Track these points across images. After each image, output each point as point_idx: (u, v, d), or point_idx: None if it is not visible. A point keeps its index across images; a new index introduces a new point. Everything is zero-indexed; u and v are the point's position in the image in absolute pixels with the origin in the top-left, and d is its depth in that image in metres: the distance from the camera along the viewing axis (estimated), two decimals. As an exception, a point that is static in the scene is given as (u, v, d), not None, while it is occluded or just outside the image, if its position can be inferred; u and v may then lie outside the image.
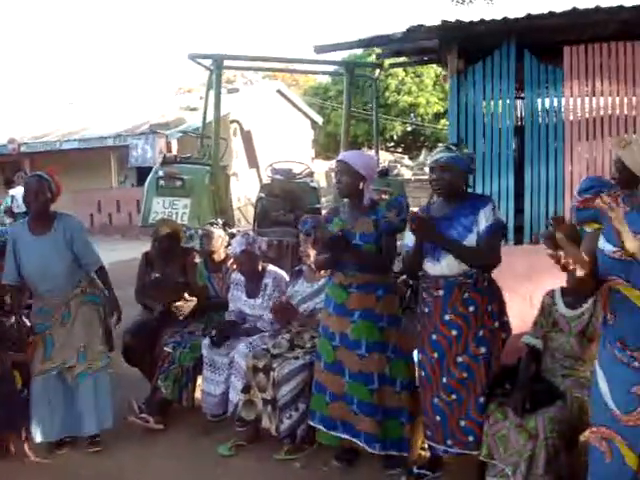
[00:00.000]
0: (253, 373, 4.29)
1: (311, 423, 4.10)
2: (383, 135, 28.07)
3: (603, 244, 2.47)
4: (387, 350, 3.89)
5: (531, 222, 5.63)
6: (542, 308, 3.75)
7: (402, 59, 7.82)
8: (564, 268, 2.22)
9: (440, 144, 3.96)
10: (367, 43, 5.82)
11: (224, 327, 4.80)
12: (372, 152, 10.03)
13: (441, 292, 3.56)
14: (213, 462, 4.22)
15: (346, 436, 3.95)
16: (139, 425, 4.57)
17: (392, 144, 29.87)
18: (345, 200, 4.06)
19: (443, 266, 3.53)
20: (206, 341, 4.72)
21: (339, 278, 3.94)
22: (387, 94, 27.26)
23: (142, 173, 15.72)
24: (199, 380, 4.90)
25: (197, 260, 5.34)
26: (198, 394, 4.89)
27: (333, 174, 3.99)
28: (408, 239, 3.63)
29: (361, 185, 3.91)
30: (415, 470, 3.87)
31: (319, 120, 22.88)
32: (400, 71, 26.24)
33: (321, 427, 4.02)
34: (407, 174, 19.87)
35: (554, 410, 3.39)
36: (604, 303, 2.54)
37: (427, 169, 3.72)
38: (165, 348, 4.80)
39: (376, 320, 3.88)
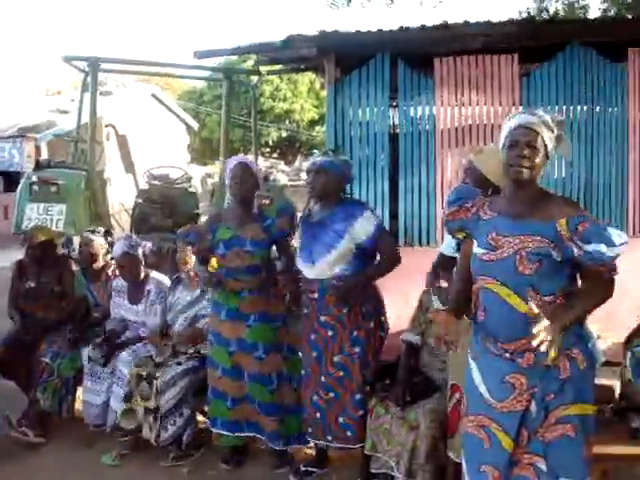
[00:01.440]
0: (136, 381, 4.23)
1: (213, 430, 4.13)
2: (259, 141, 28.16)
3: (475, 249, 2.65)
4: (282, 350, 4.00)
5: (405, 226, 5.85)
6: (419, 305, 3.90)
7: (279, 66, 7.90)
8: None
9: (316, 150, 4.07)
10: (246, 50, 5.88)
11: (110, 342, 4.65)
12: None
13: (316, 295, 3.69)
14: (97, 473, 4.15)
15: (251, 434, 4.04)
16: (19, 439, 4.41)
17: (268, 150, 29.99)
18: (226, 206, 4.10)
19: (317, 269, 3.64)
20: (88, 352, 4.60)
21: (230, 284, 3.96)
22: (262, 100, 27.35)
23: (9, 178, 15.04)
24: (79, 390, 4.77)
25: (75, 268, 5.20)
26: (78, 404, 4.77)
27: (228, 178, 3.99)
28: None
29: (256, 191, 4.01)
30: (302, 467, 3.97)
31: (194, 125, 22.64)
32: (275, 77, 26.42)
33: (225, 432, 4.06)
34: (283, 180, 20.03)
35: (432, 402, 3.57)
36: (475, 301, 2.69)
37: (304, 174, 3.82)
38: (42, 359, 4.63)
39: (271, 321, 3.97)
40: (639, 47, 5.86)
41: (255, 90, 8.82)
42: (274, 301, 3.99)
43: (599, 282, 2.49)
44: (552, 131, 2.55)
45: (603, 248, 2.37)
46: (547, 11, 12.23)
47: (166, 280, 4.88)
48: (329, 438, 3.74)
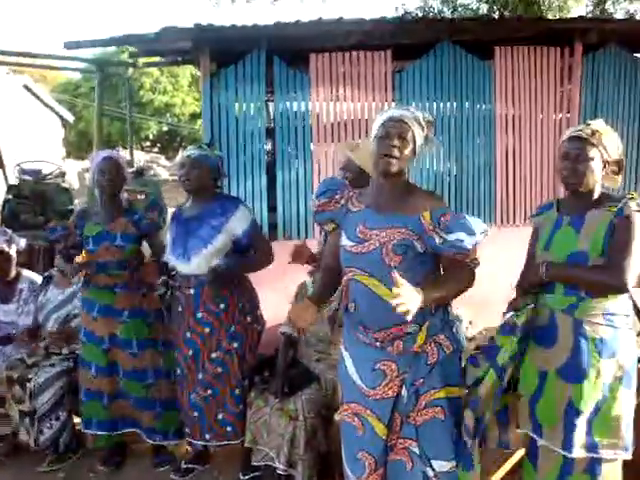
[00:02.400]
0: (8, 385, 4.07)
1: (87, 431, 4.03)
2: (138, 135, 27.43)
3: (344, 241, 2.71)
4: (157, 345, 3.96)
5: (284, 220, 5.91)
6: (296, 298, 3.93)
7: (158, 59, 7.75)
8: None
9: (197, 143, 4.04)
10: (120, 41, 5.73)
11: None
12: (127, 152, 9.88)
13: (192, 291, 3.64)
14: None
15: (129, 429, 3.99)
16: None
17: (148, 144, 29.34)
18: (98, 201, 4.00)
19: (193, 265, 3.59)
20: None
21: (103, 279, 3.88)
22: (142, 93, 26.70)
23: None
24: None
25: None
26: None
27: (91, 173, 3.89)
28: None
29: (124, 185, 3.93)
30: (183, 465, 3.96)
31: (70, 118, 21.79)
32: (155, 70, 25.87)
33: (100, 432, 3.97)
34: (164, 174, 19.66)
35: (310, 392, 3.63)
36: (345, 293, 2.75)
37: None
38: None
39: (144, 317, 3.92)
40: (505, 45, 6.17)
41: (130, 82, 8.61)
42: (147, 295, 3.94)
43: (460, 271, 2.59)
44: (422, 129, 2.64)
45: (463, 236, 2.48)
46: (426, 9, 12.59)
47: (38, 279, 4.70)
48: (207, 437, 3.71)
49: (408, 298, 2.24)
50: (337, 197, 2.80)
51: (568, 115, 6.37)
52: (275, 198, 5.85)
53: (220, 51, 5.71)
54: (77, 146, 26.30)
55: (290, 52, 5.81)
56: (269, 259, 3.77)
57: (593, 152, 2.63)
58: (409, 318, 2.28)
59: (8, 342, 4.47)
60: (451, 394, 2.67)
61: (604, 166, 2.67)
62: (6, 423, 4.08)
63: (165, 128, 28.33)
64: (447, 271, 2.64)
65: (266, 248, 3.78)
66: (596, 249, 2.59)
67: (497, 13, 11.23)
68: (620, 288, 2.56)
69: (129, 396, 3.92)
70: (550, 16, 11.25)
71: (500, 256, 4.76)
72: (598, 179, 2.67)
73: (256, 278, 3.89)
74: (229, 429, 3.69)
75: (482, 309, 5.15)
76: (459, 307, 5.79)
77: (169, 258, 3.72)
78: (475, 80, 6.14)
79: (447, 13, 12.08)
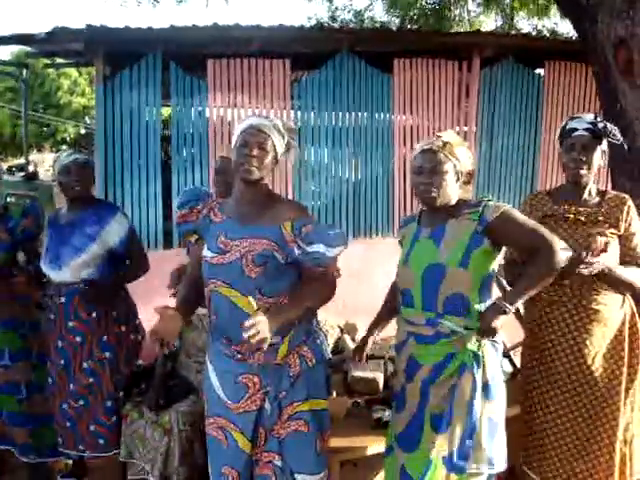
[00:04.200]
0: None
1: None
2: (55, 137, 26.73)
3: (206, 252, 2.67)
4: (31, 357, 3.81)
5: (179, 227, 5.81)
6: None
7: (61, 60, 7.55)
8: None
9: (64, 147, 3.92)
10: (8, 41, 5.53)
11: None
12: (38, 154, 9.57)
13: (63, 299, 3.54)
14: None
15: (2, 447, 3.83)
16: None
17: (65, 147, 28.59)
18: None
19: (65, 273, 3.49)
20: None
21: None
22: (60, 94, 26.01)
23: None
24: None
25: None
26: None
27: None
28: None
29: None
30: (59, 478, 3.88)
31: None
32: (73, 71, 25.21)
33: None
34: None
35: (187, 404, 3.57)
36: (208, 304, 2.70)
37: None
38: None
39: (17, 327, 3.78)
40: (404, 58, 6.26)
41: (26, 83, 8.37)
42: (21, 306, 3.80)
43: (320, 283, 2.58)
44: (283, 136, 2.63)
45: (322, 248, 2.48)
46: (336, 20, 12.70)
47: None
48: (81, 447, 3.60)
49: (262, 327, 2.25)
50: (199, 207, 2.77)
51: (466, 128, 6.51)
52: (170, 206, 5.75)
53: (115, 54, 5.60)
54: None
55: (187, 57, 5.75)
56: (143, 270, 3.72)
57: (447, 165, 2.63)
58: (265, 347, 2.29)
59: None
60: (315, 406, 2.66)
61: (457, 178, 2.69)
62: None
63: (83, 131, 27.64)
64: (306, 283, 2.61)
65: (141, 260, 3.72)
66: (455, 260, 2.55)
67: (407, 27, 11.41)
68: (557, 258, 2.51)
69: (1, 411, 3.77)
70: (462, 30, 11.53)
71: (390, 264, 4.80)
72: (454, 191, 2.68)
73: (148, 287, 3.81)
74: (101, 441, 3.58)
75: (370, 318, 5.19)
76: (356, 317, 5.88)
77: (42, 265, 3.60)
78: (374, 91, 6.22)
79: (357, 25, 12.20)
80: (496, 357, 2.66)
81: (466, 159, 2.69)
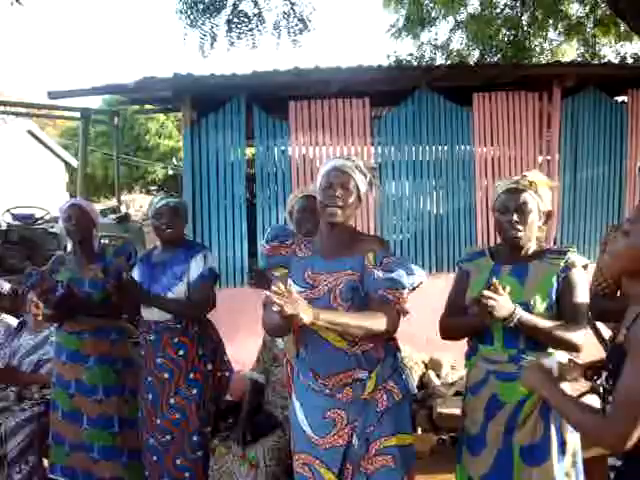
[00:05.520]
0: (-22, 430, 4.09)
1: (52, 476, 3.99)
2: (145, 178, 27.78)
3: (293, 287, 2.73)
4: (124, 392, 3.94)
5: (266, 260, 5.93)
6: (263, 344, 3.94)
7: (149, 106, 7.92)
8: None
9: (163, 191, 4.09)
10: (101, 91, 5.85)
11: None
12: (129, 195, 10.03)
13: (153, 336, 3.66)
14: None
15: None
16: None
17: (154, 187, 29.61)
18: (69, 248, 4.05)
19: (155, 311, 3.61)
20: None
21: (70, 325, 3.91)
22: (148, 137, 27.08)
23: None
24: None
25: None
26: None
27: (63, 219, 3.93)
28: None
29: (94, 231, 3.98)
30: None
31: (74, 162, 22.08)
32: (161, 115, 26.23)
33: (63, 479, 3.93)
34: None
35: (272, 439, 3.61)
36: (296, 339, 2.77)
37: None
38: None
39: (111, 363, 3.93)
40: (484, 92, 6.26)
41: (118, 130, 8.80)
42: (118, 343, 3.96)
43: (384, 312, 2.52)
44: (365, 175, 2.69)
45: (402, 274, 2.52)
46: (424, 56, 12.78)
47: (14, 323, 4.76)
48: None
49: (299, 304, 2.26)
50: (288, 242, 2.84)
51: (549, 157, 6.42)
52: (255, 243, 5.89)
53: (200, 99, 5.83)
54: (83, 190, 26.52)
55: (269, 99, 5.92)
56: (195, 313, 3.69)
57: (532, 204, 2.65)
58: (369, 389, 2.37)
59: None
60: (402, 442, 2.65)
61: (539, 217, 2.68)
62: (-23, 468, 4.06)
63: (170, 172, 28.60)
64: (371, 309, 2.57)
65: (202, 296, 3.67)
66: (541, 301, 2.59)
67: (486, 58, 11.38)
68: (578, 348, 2.57)
69: (93, 446, 3.88)
70: (543, 61, 11.41)
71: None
72: (536, 230, 2.68)
73: (234, 324, 3.90)
74: (187, 474, 3.64)
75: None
76: (441, 352, 5.82)
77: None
78: (454, 124, 6.22)
79: (439, 60, 12.27)
80: None
81: (547, 199, 2.70)
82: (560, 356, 2.56)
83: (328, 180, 2.63)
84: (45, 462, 4.23)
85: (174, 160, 28.26)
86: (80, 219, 3.90)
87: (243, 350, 4.00)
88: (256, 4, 6.88)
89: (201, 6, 6.80)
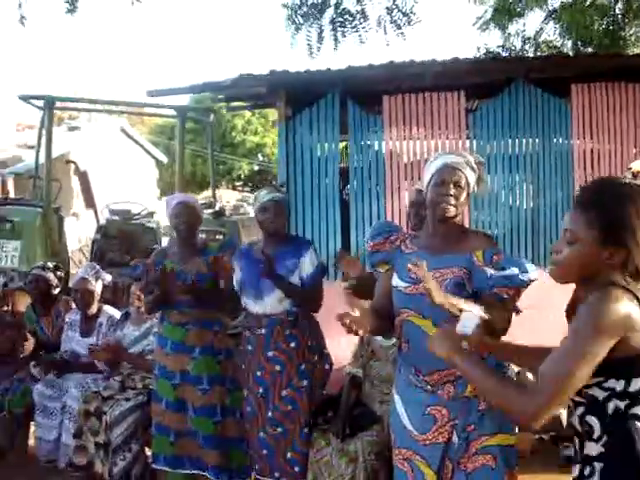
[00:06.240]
0: (84, 417, 4.26)
1: (155, 466, 4.12)
2: (230, 174, 28.25)
3: (396, 282, 2.73)
4: (226, 382, 4.03)
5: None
6: (361, 339, 3.94)
7: (240, 103, 8.03)
8: (348, 330, 2.41)
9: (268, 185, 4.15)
10: (199, 89, 5.97)
11: (58, 362, 4.71)
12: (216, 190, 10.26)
13: (264, 330, 3.69)
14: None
15: (194, 471, 4.02)
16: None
17: (240, 183, 30.08)
18: (173, 241, 4.16)
19: (266, 305, 3.67)
20: (38, 385, 4.64)
21: (175, 317, 4.02)
22: (234, 134, 27.50)
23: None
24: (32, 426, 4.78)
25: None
26: (31, 440, 4.78)
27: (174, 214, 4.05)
28: None
29: (199, 227, 4.10)
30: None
31: (164, 159, 22.69)
32: (247, 112, 26.61)
33: (167, 469, 4.04)
34: (253, 213, 20.05)
35: (372, 434, 3.63)
36: (399, 334, 2.75)
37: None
38: (-8, 394, 4.61)
39: (215, 354, 4.02)
40: (582, 82, 6.06)
41: (212, 127, 8.97)
42: (218, 334, 4.04)
43: (497, 311, 2.47)
44: (474, 171, 2.66)
45: (516, 271, 2.47)
46: (507, 48, 12.48)
47: (117, 314, 4.93)
48: (277, 475, 3.70)
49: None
50: (393, 238, 2.83)
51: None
52: (348, 238, 5.89)
53: (295, 95, 5.86)
54: (172, 186, 27.21)
55: (363, 94, 5.90)
56: (319, 300, 3.81)
57: None
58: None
59: (88, 368, 4.68)
60: (503, 442, 2.61)
61: None
62: (82, 454, 4.24)
63: (256, 168, 29.01)
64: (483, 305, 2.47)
65: (319, 290, 3.81)
66: None
67: (581, 49, 11.01)
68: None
69: (198, 434, 3.98)
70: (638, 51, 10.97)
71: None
72: None
73: (327, 318, 3.92)
74: (297, 469, 3.66)
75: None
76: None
77: (241, 297, 3.81)
78: (551, 117, 6.04)
79: (529, 51, 11.94)
80: None
81: None
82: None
83: (441, 177, 2.61)
84: (147, 452, 4.38)
85: (259, 156, 28.67)
86: (189, 216, 4.01)
87: (336, 345, 4.01)
88: (359, 1, 6.87)
89: (305, 9, 6.85)
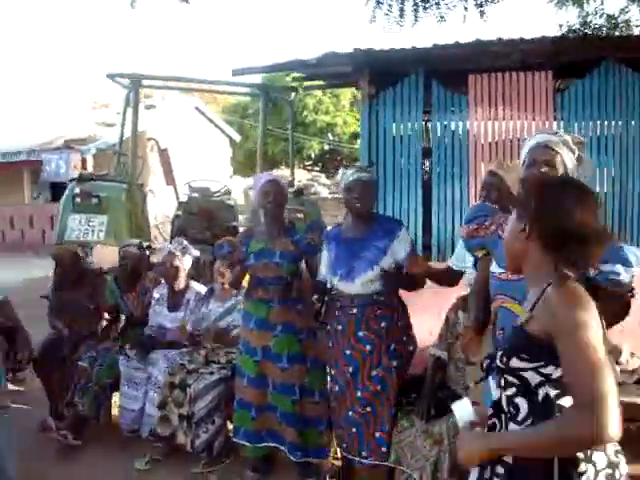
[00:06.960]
0: (169, 389, 4.35)
1: (235, 440, 4.17)
2: (301, 154, 28.24)
3: (494, 267, 2.69)
4: (306, 362, 4.04)
5: (438, 240, 5.89)
6: (446, 322, 3.89)
7: (319, 82, 8.02)
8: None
9: (354, 164, 4.13)
10: (282, 67, 6.00)
11: (144, 342, 4.84)
12: (286, 169, 10.29)
13: (355, 310, 3.67)
14: (128, 476, 4.24)
15: (272, 444, 4.07)
16: (56, 442, 4.55)
17: (310, 163, 30.10)
18: (262, 221, 4.18)
19: (358, 285, 3.64)
20: (123, 358, 4.75)
21: (260, 293, 4.06)
22: (305, 113, 27.44)
23: (56, 189, 15.28)
24: (115, 396, 4.91)
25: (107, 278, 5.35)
26: (115, 410, 4.90)
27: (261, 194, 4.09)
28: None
29: (285, 205, 4.12)
30: (328, 479, 4.03)
31: (237, 138, 22.91)
32: (318, 91, 26.53)
33: (246, 443, 4.10)
34: (324, 192, 20.09)
35: (457, 416, 3.60)
36: (493, 320, 2.71)
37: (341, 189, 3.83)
38: (80, 363, 4.76)
39: (297, 333, 4.03)
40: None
41: (292, 106, 8.97)
42: (301, 313, 4.07)
43: (612, 303, 2.39)
44: (573, 152, 2.57)
45: (620, 269, 2.38)
46: (589, 25, 12.05)
47: (204, 290, 5.01)
48: (364, 454, 3.69)
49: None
50: (487, 223, 2.78)
51: None
52: (430, 218, 5.85)
53: (379, 74, 5.82)
54: (244, 164, 27.49)
55: (448, 73, 5.82)
56: (422, 284, 3.80)
57: None
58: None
59: (175, 347, 4.78)
60: None
61: None
62: (166, 425, 4.34)
63: (326, 147, 28.96)
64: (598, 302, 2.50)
65: (423, 272, 3.79)
66: None
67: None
68: None
69: (277, 409, 4.02)
70: None
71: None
72: None
73: (410, 300, 3.90)
74: (384, 449, 3.63)
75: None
76: (618, 338, 5.53)
77: (330, 278, 3.81)
78: (640, 98, 5.84)
79: (610, 31, 11.50)
80: None
81: None
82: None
83: (532, 157, 2.54)
84: (229, 425, 4.46)
85: (329, 135, 28.58)
86: (277, 194, 4.03)
87: (418, 326, 3.98)
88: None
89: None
